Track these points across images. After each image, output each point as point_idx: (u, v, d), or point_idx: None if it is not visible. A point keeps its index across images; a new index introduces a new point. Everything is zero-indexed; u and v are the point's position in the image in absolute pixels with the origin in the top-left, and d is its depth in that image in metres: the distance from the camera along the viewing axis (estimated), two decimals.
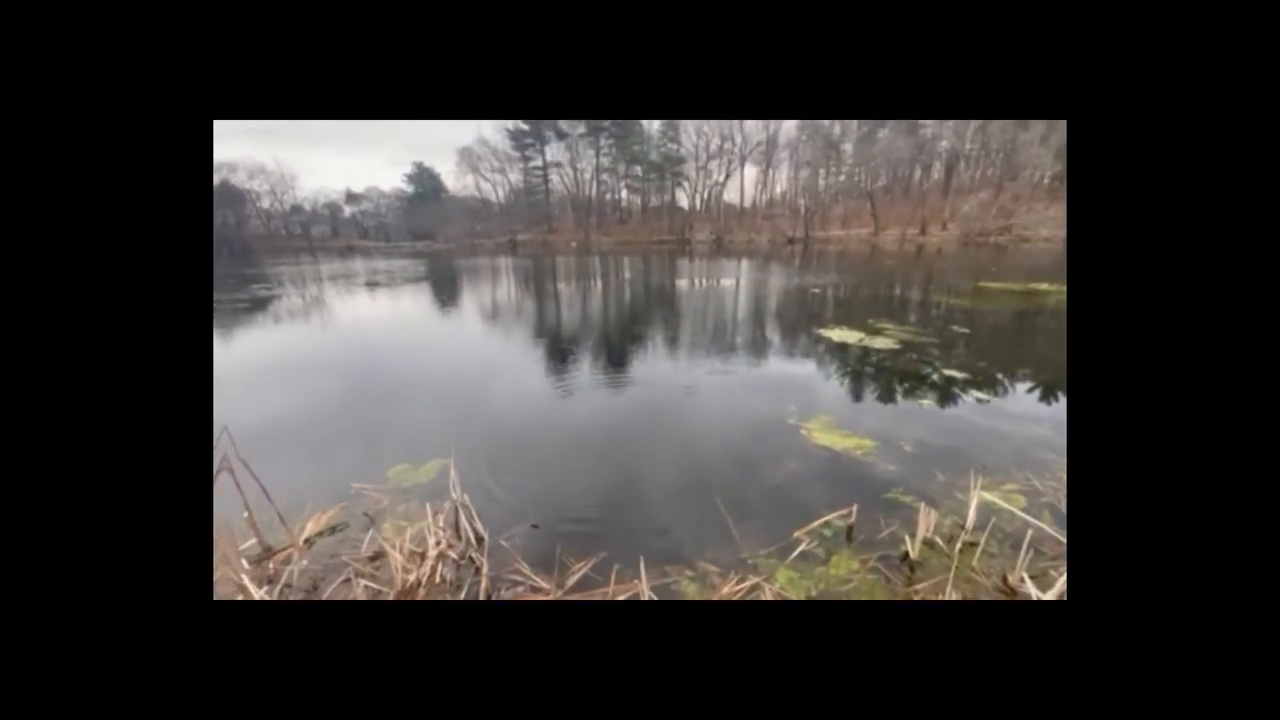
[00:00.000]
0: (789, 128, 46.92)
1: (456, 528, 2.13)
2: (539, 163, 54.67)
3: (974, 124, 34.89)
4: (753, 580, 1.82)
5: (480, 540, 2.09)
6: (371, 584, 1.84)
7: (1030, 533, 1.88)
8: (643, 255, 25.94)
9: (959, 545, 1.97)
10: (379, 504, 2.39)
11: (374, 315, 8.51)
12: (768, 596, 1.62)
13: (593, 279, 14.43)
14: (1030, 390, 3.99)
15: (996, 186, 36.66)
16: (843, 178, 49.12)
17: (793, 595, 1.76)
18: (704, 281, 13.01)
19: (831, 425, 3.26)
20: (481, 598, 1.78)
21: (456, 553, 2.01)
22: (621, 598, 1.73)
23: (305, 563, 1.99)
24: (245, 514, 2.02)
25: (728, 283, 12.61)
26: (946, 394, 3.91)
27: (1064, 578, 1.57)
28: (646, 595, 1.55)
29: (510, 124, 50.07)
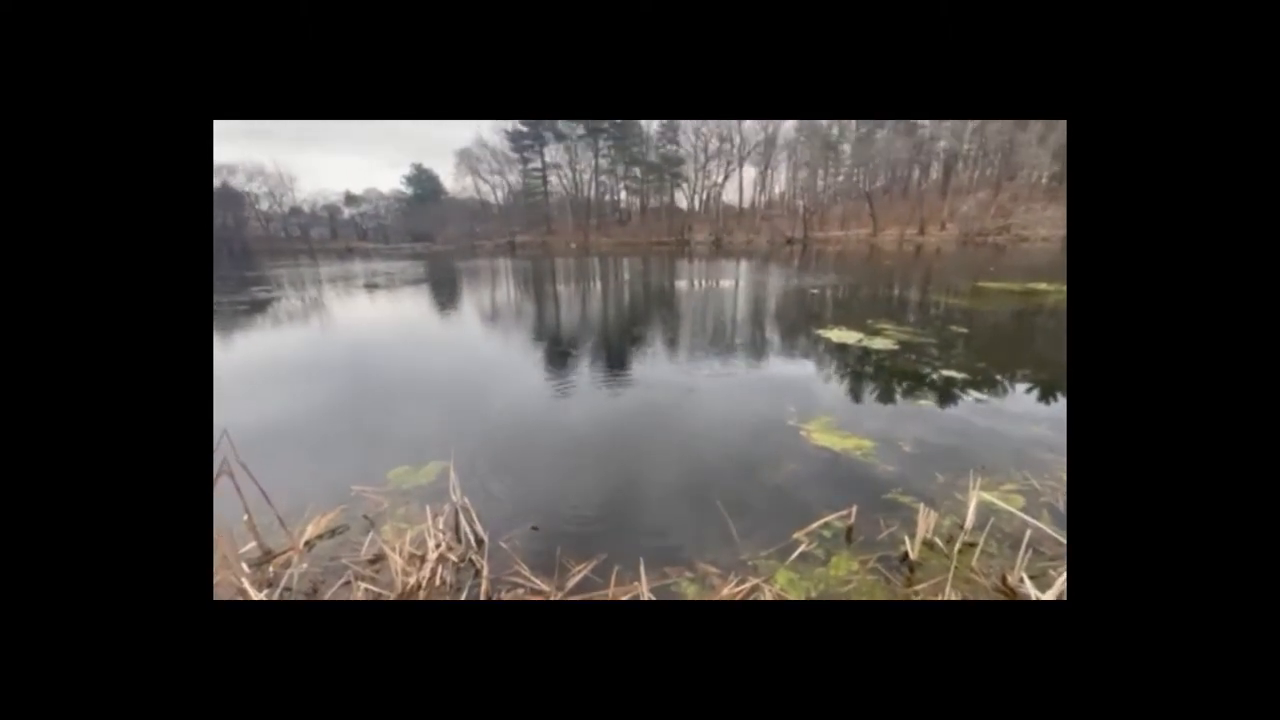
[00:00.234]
0: (787, 128, 47.04)
1: (456, 530, 2.13)
2: (538, 164, 54.73)
3: (972, 124, 34.97)
4: (752, 581, 1.82)
5: (480, 542, 2.09)
6: (372, 587, 1.84)
7: (1029, 533, 1.88)
8: (642, 256, 25.96)
9: (958, 545, 1.98)
10: (379, 506, 2.39)
11: (373, 317, 8.51)
12: (767, 598, 1.62)
13: (592, 280, 14.44)
14: (1029, 390, 4.00)
15: (995, 186, 36.74)
16: (841, 178, 49.24)
17: (792, 596, 1.77)
18: (703, 282, 13.02)
19: (831, 426, 3.26)
20: (481, 600, 1.78)
21: (456, 555, 2.01)
22: (621, 600, 1.74)
23: (305, 566, 1.99)
24: (245, 517, 2.02)
25: (727, 284, 12.61)
26: (946, 394, 3.91)
27: (1063, 577, 1.58)
28: (646, 597, 1.55)
29: (509, 125, 50.22)
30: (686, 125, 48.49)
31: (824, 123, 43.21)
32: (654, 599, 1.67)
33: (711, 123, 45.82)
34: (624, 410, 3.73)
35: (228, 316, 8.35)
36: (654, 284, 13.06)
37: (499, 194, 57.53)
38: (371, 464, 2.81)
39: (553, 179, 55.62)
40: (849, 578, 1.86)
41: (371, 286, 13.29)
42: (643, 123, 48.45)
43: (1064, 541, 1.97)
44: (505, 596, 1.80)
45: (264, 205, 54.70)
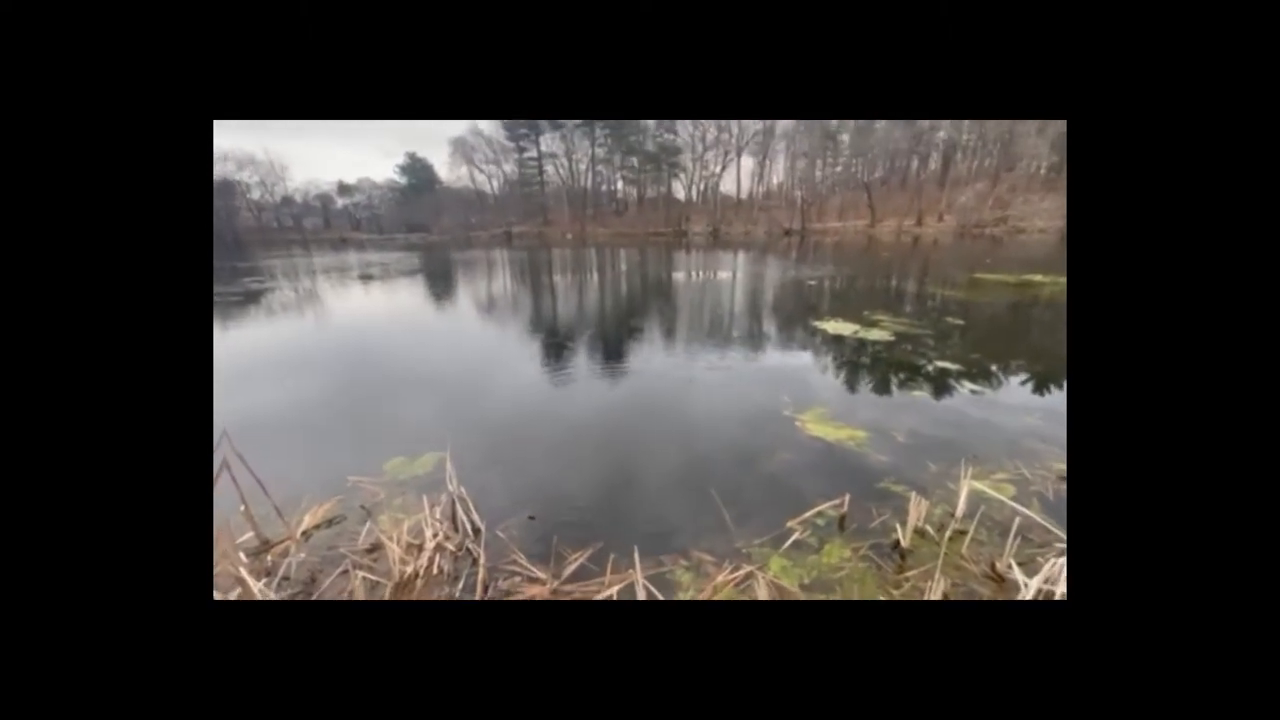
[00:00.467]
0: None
1: (453, 520, 2.15)
2: (533, 153, 54.09)
3: None
4: (747, 569, 1.85)
5: (477, 532, 2.11)
6: (370, 575, 1.85)
7: (1018, 520, 1.91)
8: (639, 247, 25.82)
9: (949, 533, 2.01)
10: (375, 497, 2.40)
11: (369, 308, 8.46)
12: (761, 584, 1.64)
13: (589, 272, 14.37)
14: (1023, 383, 4.03)
15: (993, 177, 36.62)
16: (839, 169, 48.93)
17: (786, 583, 1.79)
18: (701, 274, 12.98)
19: (825, 417, 3.29)
20: (479, 589, 1.80)
21: (454, 544, 2.02)
22: (617, 587, 1.76)
23: (303, 555, 2.00)
24: (242, 507, 2.02)
25: (724, 275, 12.59)
26: (940, 385, 3.94)
27: (1050, 565, 1.61)
28: (641, 584, 1.57)
29: None
30: None
31: None
32: (649, 586, 1.69)
33: None
34: (620, 402, 3.74)
35: (221, 308, 8.27)
36: (651, 275, 13.01)
37: (494, 184, 57.01)
38: (367, 455, 2.81)
39: (549, 168, 55.06)
40: (841, 565, 1.89)
41: (366, 278, 13.18)
42: None
43: (1052, 529, 2.01)
44: (502, 584, 1.82)
45: (255, 195, 53.96)
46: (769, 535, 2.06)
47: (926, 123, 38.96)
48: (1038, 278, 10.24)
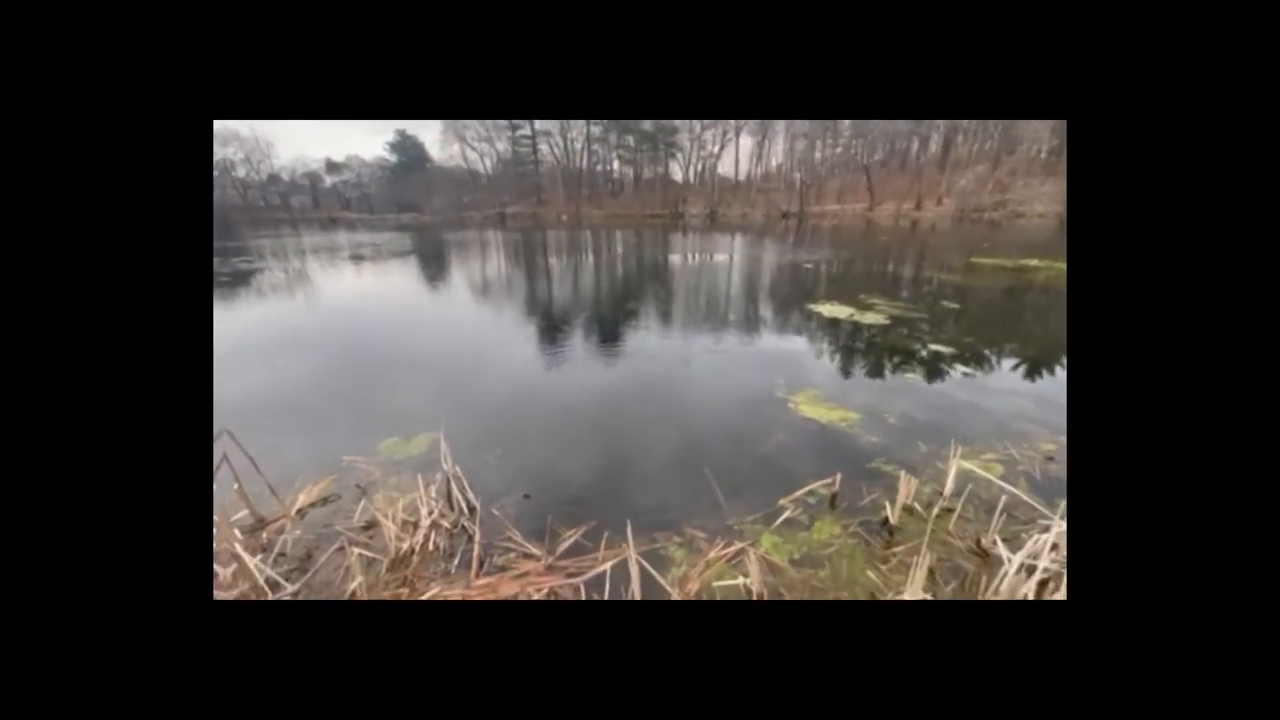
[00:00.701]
0: None
1: (449, 498, 2.16)
2: (527, 131, 52.74)
3: None
4: (738, 545, 1.88)
5: (473, 510, 2.13)
6: (366, 552, 1.87)
7: (1004, 498, 1.95)
8: (635, 229, 25.50)
9: (936, 510, 2.05)
10: (370, 476, 2.41)
11: (361, 290, 8.34)
12: (752, 560, 1.68)
13: (584, 254, 14.21)
14: (1015, 367, 4.07)
15: (994, 160, 36.25)
16: (839, 150, 48.20)
17: (776, 558, 1.83)
18: (697, 257, 12.87)
19: (818, 399, 3.31)
20: (474, 564, 1.82)
21: (449, 522, 2.04)
22: (611, 563, 1.79)
23: (298, 533, 2.01)
24: (235, 485, 2.02)
25: (721, 258, 12.49)
26: (933, 369, 3.97)
27: (1034, 540, 1.65)
28: (635, 559, 1.60)
29: None
30: None
31: None
32: (642, 562, 1.72)
33: None
34: (616, 384, 3.75)
35: None
36: (647, 258, 12.89)
37: (487, 163, 55.72)
38: (362, 436, 2.81)
39: (543, 147, 53.83)
40: (831, 541, 1.93)
41: (358, 258, 12.96)
42: None
43: (1038, 507, 2.05)
44: (498, 560, 1.85)
45: (240, 172, 52.45)
46: (761, 513, 2.09)
47: None
48: (1034, 262, 10.24)
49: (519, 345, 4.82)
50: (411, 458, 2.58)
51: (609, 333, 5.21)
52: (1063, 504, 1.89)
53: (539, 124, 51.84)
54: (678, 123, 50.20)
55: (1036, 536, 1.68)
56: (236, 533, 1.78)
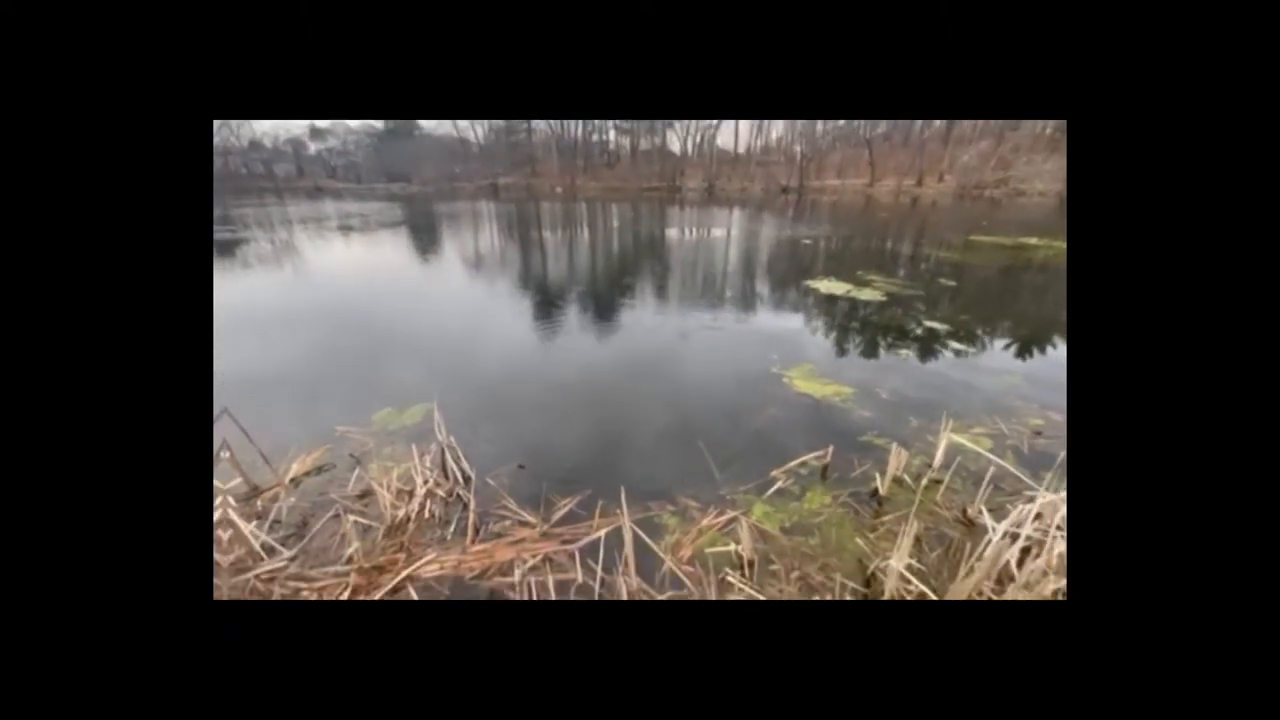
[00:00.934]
0: None
1: (444, 468, 2.17)
2: None
3: None
4: (731, 514, 1.91)
5: (467, 479, 2.14)
6: (362, 520, 1.88)
7: (991, 470, 1.99)
8: (631, 203, 24.94)
9: (924, 481, 2.09)
10: (364, 446, 2.41)
11: (350, 261, 8.15)
12: (744, 528, 1.71)
13: (579, 227, 13.92)
14: (1008, 346, 4.09)
15: (997, 136, 35.52)
16: (841, 123, 46.88)
17: (768, 526, 1.87)
18: (694, 231, 12.66)
19: (813, 374, 3.33)
20: (469, 532, 1.84)
21: (444, 490, 2.06)
22: (605, 530, 1.82)
23: (293, 500, 2.02)
24: (226, 454, 2.01)
25: (719, 233, 12.30)
26: (927, 346, 3.99)
27: (1018, 510, 1.69)
28: (629, 527, 1.62)
29: None
30: None
31: None
32: (636, 530, 1.75)
33: None
34: (611, 359, 3.73)
35: None
36: (644, 232, 12.66)
37: (479, 130, 53.64)
38: (354, 408, 2.80)
39: None
40: (821, 510, 1.97)
41: (346, 229, 12.62)
42: None
43: (1024, 479, 2.10)
44: (494, 528, 1.87)
45: (220, 137, 50.16)
46: (753, 483, 2.12)
47: None
48: (1032, 240, 10.19)
49: (513, 319, 4.76)
50: (405, 428, 2.58)
51: (604, 308, 5.16)
52: (1048, 475, 1.93)
53: None
54: None
55: (1021, 507, 1.72)
56: (231, 499, 1.78)
